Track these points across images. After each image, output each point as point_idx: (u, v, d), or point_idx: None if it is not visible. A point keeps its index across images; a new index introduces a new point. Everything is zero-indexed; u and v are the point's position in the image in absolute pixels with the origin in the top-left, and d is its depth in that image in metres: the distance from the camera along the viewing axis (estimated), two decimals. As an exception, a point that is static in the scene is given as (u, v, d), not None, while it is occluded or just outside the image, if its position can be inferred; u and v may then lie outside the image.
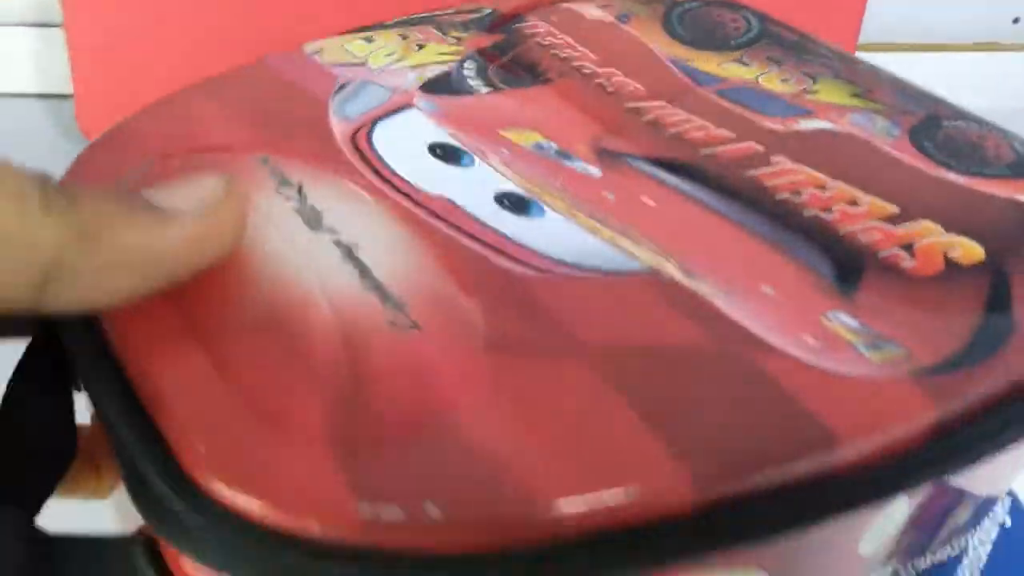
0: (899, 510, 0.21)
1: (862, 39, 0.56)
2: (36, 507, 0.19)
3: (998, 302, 0.20)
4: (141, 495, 0.16)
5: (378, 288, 0.18)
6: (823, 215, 0.22)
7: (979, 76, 0.60)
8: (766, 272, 0.21)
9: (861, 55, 0.57)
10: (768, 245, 0.22)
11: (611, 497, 0.16)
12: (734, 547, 0.17)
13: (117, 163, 0.21)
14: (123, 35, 0.50)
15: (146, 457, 0.16)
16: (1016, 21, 0.62)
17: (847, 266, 0.21)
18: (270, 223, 0.20)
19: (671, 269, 0.21)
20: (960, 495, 0.23)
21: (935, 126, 0.26)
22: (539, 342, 0.18)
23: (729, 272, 0.21)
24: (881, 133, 0.25)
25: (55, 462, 0.20)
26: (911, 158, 0.24)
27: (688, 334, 0.19)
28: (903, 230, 0.22)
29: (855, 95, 0.27)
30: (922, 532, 0.23)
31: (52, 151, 0.52)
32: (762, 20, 0.30)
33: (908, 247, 0.22)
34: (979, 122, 0.26)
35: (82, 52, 0.51)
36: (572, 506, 0.16)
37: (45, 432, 0.19)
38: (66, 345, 0.18)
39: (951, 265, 0.21)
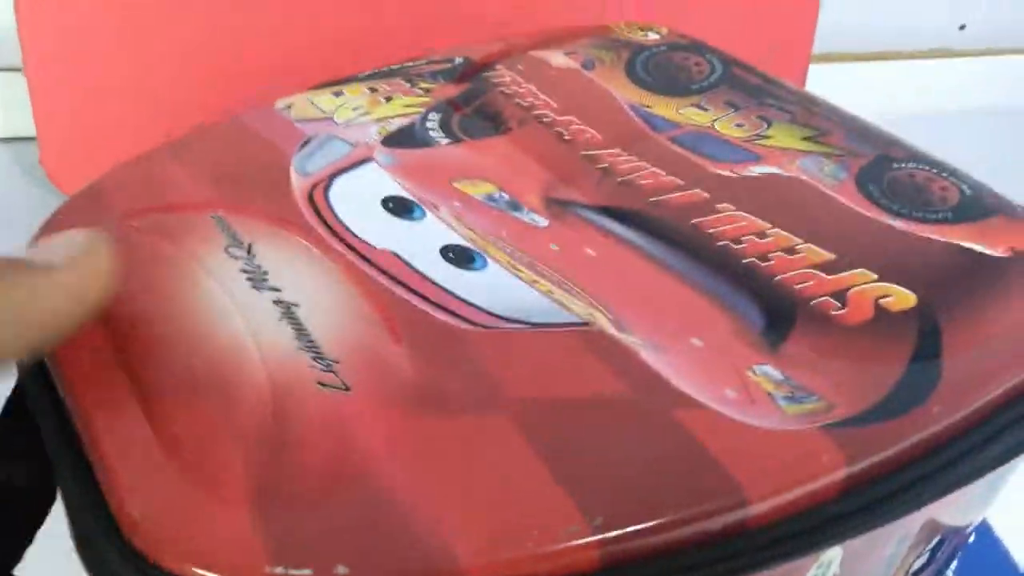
0: (832, 556, 0.21)
1: (815, 49, 0.56)
2: (14, 559, 0.20)
3: (926, 352, 0.21)
4: (86, 554, 0.17)
5: (312, 347, 0.19)
6: (760, 263, 0.23)
7: (929, 82, 0.61)
8: (697, 324, 0.21)
9: (813, 67, 0.57)
10: (703, 295, 0.22)
11: (516, 554, 0.17)
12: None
13: (86, 222, 0.23)
14: (85, 76, 0.51)
15: (89, 518, 0.17)
16: (963, 27, 0.63)
17: (778, 315, 0.22)
18: (214, 281, 0.21)
19: (603, 321, 0.21)
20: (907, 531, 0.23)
21: (883, 169, 0.26)
22: (465, 398, 0.19)
23: (660, 324, 0.21)
24: (828, 177, 0.26)
25: (34, 514, 0.21)
26: (854, 203, 0.25)
27: (610, 387, 0.20)
28: (836, 278, 0.22)
29: (807, 138, 0.27)
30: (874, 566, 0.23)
31: (16, 193, 0.54)
32: (725, 64, 0.31)
33: (840, 295, 0.22)
34: (931, 164, 0.26)
35: (43, 95, 0.51)
36: (478, 564, 0.16)
37: (21, 491, 0.21)
38: (28, 406, 0.20)
39: (881, 313, 0.22)
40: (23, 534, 0.21)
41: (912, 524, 0.22)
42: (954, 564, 0.31)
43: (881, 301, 0.22)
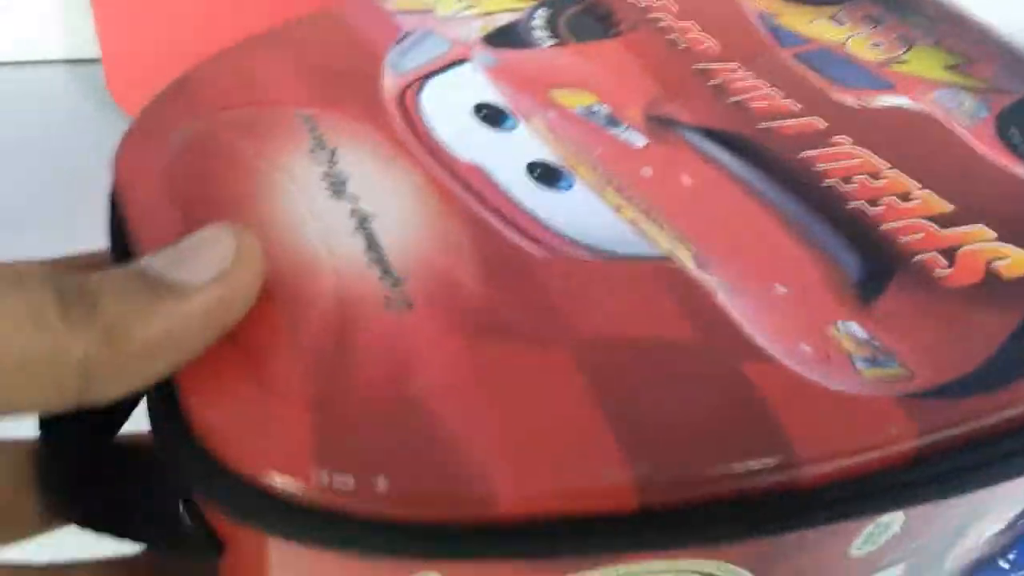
0: (894, 518, 0.20)
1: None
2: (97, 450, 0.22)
3: (1036, 324, 0.19)
4: (164, 454, 0.18)
5: (381, 262, 0.20)
6: (869, 207, 0.21)
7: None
8: (785, 268, 0.20)
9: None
10: (798, 237, 0.21)
11: (553, 490, 0.17)
12: (672, 547, 0.17)
13: (176, 116, 0.23)
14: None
15: (164, 414, 0.18)
16: None
17: (877, 268, 0.20)
18: (294, 185, 0.21)
19: (684, 256, 0.20)
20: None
21: (1029, 110, 0.23)
22: (527, 328, 0.19)
23: (744, 265, 0.20)
24: (965, 116, 0.23)
25: (119, 416, 0.22)
26: (989, 148, 0.22)
27: (677, 330, 0.19)
28: (950, 233, 0.20)
29: (951, 67, 0.24)
30: (935, 539, 0.22)
31: (83, 116, 0.55)
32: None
33: (950, 252, 0.20)
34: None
35: (108, 15, 0.51)
36: (514, 496, 0.17)
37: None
38: None
39: (992, 277, 0.20)
40: (109, 430, 0.22)
41: (989, 498, 0.21)
42: None
43: (995, 264, 0.20)
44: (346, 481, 0.16)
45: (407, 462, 0.17)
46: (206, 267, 0.17)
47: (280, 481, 0.17)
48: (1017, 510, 0.23)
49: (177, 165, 0.22)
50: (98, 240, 0.22)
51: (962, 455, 0.18)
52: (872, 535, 0.21)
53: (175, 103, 0.23)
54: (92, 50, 0.55)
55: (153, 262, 0.17)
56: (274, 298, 0.19)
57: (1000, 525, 0.23)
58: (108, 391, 0.17)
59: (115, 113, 0.54)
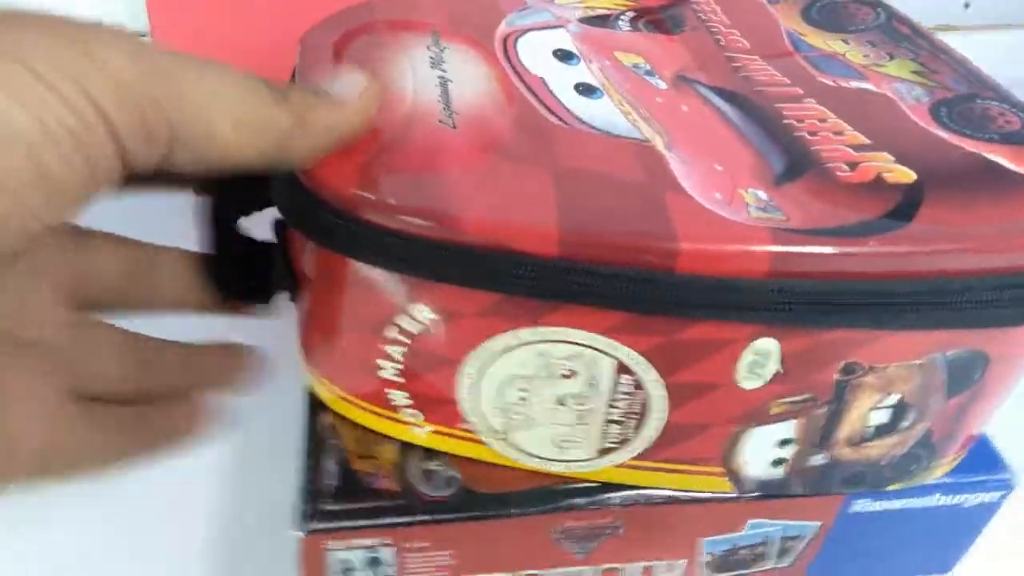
0: (768, 348, 0.26)
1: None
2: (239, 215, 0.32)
3: (898, 214, 0.25)
4: (276, 191, 0.28)
5: (446, 101, 0.29)
6: (808, 135, 0.28)
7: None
8: (728, 157, 0.27)
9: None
10: (747, 144, 0.28)
11: (507, 230, 0.25)
12: (580, 300, 0.25)
13: (353, 21, 0.34)
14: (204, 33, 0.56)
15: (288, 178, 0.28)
16: (967, 6, 0.73)
17: (796, 166, 0.27)
18: (409, 61, 0.31)
19: (659, 141, 0.28)
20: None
21: (963, 100, 0.29)
22: (527, 155, 0.27)
23: (697, 151, 0.28)
24: (910, 98, 0.30)
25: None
26: (918, 116, 0.29)
27: (631, 172, 0.27)
28: (859, 154, 0.27)
29: (914, 71, 0.31)
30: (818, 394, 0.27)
31: None
32: (890, 16, 0.35)
33: (853, 163, 0.27)
34: (1015, 104, 0.29)
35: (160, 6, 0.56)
36: (479, 226, 0.25)
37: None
38: None
39: (878, 180, 0.26)
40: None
41: (849, 351, 0.26)
42: (942, 464, 0.33)
43: (883, 173, 0.26)
44: (370, 200, 0.25)
45: (412, 197, 0.25)
46: (349, 91, 0.27)
47: (338, 201, 0.26)
48: (894, 398, 0.27)
49: (342, 45, 0.33)
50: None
51: (811, 286, 0.24)
52: (754, 365, 0.27)
53: (355, 14, 0.34)
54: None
55: (320, 84, 0.28)
56: (381, 113, 0.29)
57: (884, 417, 0.28)
58: (295, 155, 0.26)
59: None
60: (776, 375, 0.27)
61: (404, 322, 0.28)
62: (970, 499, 0.34)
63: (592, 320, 0.26)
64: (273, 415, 0.35)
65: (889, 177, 0.26)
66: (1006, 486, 0.34)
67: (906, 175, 0.26)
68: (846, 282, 0.25)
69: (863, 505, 0.33)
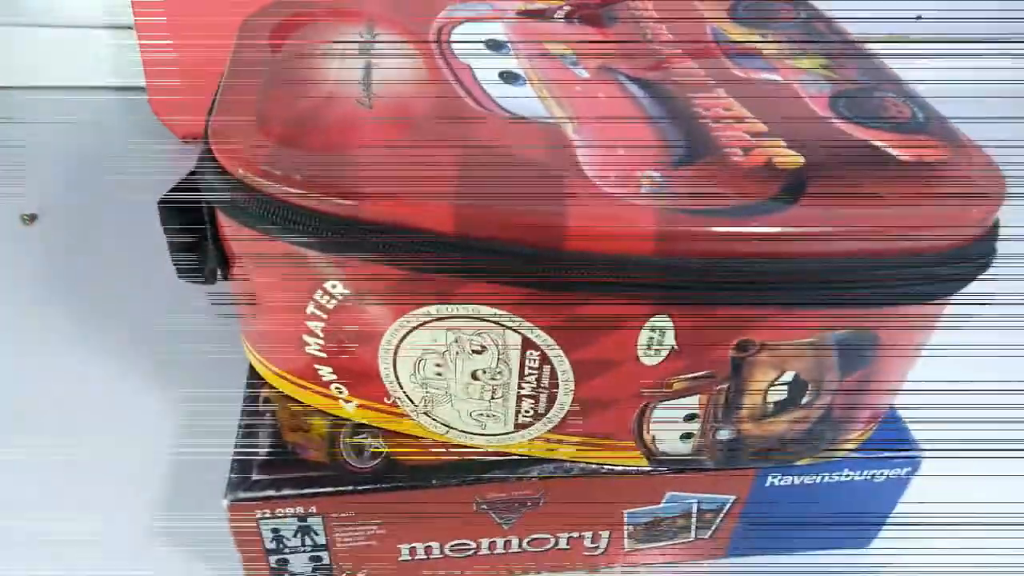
0: (662, 324, 0.27)
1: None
2: None
3: (784, 195, 0.26)
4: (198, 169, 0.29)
5: (365, 84, 0.30)
6: (711, 123, 0.30)
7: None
8: (633, 142, 0.29)
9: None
10: (654, 131, 0.29)
11: (403, 202, 0.26)
12: (478, 275, 0.26)
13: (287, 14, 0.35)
14: (187, 26, 0.58)
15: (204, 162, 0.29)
16: (919, 18, 0.73)
17: (694, 151, 0.28)
18: (340, 47, 0.32)
19: (568, 127, 0.29)
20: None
21: (862, 92, 0.31)
22: (440, 137, 0.29)
23: (605, 136, 0.29)
24: (813, 89, 0.31)
25: None
26: (817, 106, 0.30)
27: (535, 155, 0.28)
28: (755, 140, 0.29)
29: (822, 65, 0.32)
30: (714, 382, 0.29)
31: (129, 133, 0.66)
32: (811, 16, 0.36)
33: (748, 149, 0.28)
34: (908, 97, 0.30)
35: (150, 47, 0.60)
36: (379, 203, 0.26)
37: None
38: None
39: (769, 165, 0.27)
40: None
41: (740, 330, 0.27)
42: (849, 440, 0.34)
43: (774, 158, 0.28)
44: (276, 176, 0.27)
45: (325, 170, 0.27)
46: None
47: (244, 174, 0.27)
48: (788, 375, 0.29)
49: (279, 31, 0.34)
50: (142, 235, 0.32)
51: (697, 264, 0.25)
52: (652, 341, 0.28)
53: (297, 2, 0.36)
54: (139, 78, 0.64)
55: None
56: (295, 95, 0.30)
57: (781, 394, 0.29)
58: None
59: (157, 129, 0.64)
60: (672, 351, 0.28)
61: (321, 298, 0.29)
62: (878, 474, 0.35)
63: (496, 296, 0.28)
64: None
65: (779, 162, 0.28)
66: (912, 462, 0.35)
67: (795, 160, 0.28)
68: (731, 260, 0.26)
69: (776, 479, 0.35)
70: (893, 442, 0.35)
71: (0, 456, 0.41)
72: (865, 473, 0.35)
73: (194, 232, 0.31)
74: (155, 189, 0.31)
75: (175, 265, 0.32)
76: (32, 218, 0.56)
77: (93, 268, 0.52)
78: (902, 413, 0.36)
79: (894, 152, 0.28)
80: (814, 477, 0.35)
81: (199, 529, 0.38)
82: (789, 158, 0.28)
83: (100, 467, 0.41)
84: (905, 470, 0.35)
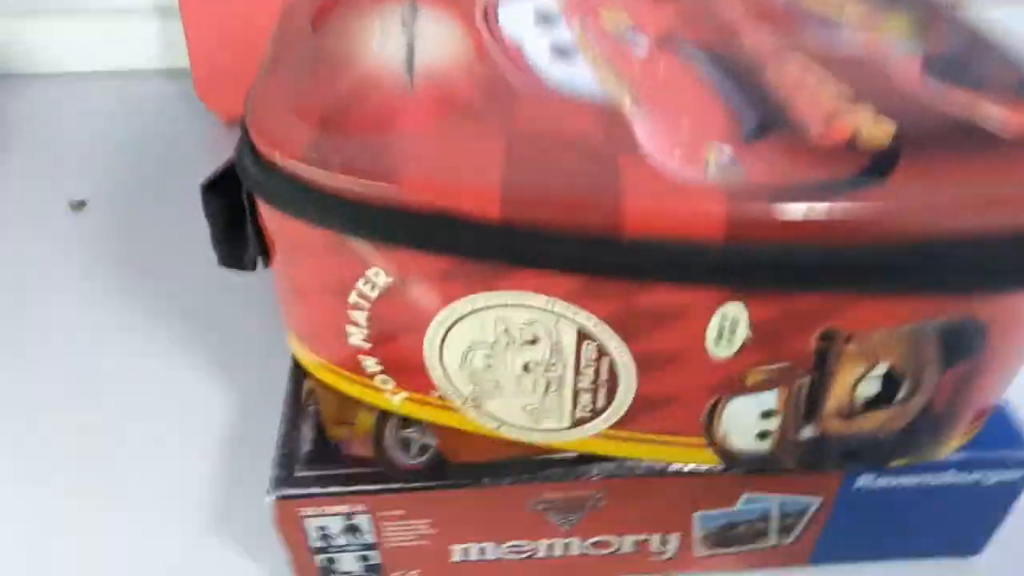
0: (738, 315, 0.24)
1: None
2: None
3: (870, 173, 0.23)
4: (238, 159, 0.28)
5: (407, 65, 0.28)
6: (789, 93, 0.26)
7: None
8: (698, 115, 0.26)
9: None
10: (722, 103, 0.26)
11: (449, 186, 0.23)
12: (525, 264, 0.23)
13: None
14: (231, 13, 0.58)
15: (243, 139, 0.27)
16: None
17: (769, 123, 0.25)
18: (382, 23, 0.30)
19: (627, 102, 0.26)
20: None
21: (959, 54, 0.27)
22: (486, 118, 0.26)
23: (666, 110, 0.26)
24: (900, 52, 0.27)
25: None
26: (907, 68, 0.26)
27: (589, 134, 0.25)
28: (838, 108, 0.25)
29: (912, 28, 0.28)
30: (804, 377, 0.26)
31: (175, 118, 0.65)
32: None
33: (831, 120, 0.24)
34: (1012, 61, 0.26)
35: (196, 30, 0.59)
36: (421, 188, 0.24)
37: None
38: None
39: (855, 138, 0.24)
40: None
41: (824, 317, 0.24)
42: (951, 440, 0.30)
43: (861, 128, 0.24)
44: (317, 160, 0.24)
45: (365, 155, 0.25)
46: None
47: (280, 159, 0.25)
48: (882, 368, 0.25)
49: (321, 11, 0.32)
50: (189, 220, 0.32)
51: (772, 248, 0.22)
52: (722, 331, 0.25)
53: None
54: (185, 61, 0.66)
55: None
56: (339, 72, 0.28)
57: (872, 388, 0.26)
58: None
59: (203, 114, 0.64)
60: (747, 342, 0.25)
61: (364, 286, 0.27)
62: (988, 477, 0.31)
63: (547, 285, 0.25)
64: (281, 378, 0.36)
65: (866, 134, 0.24)
66: (1028, 464, 0.31)
67: (885, 132, 0.24)
68: (811, 245, 0.23)
69: (868, 481, 0.31)
70: (1005, 441, 0.31)
71: (51, 440, 0.41)
72: (971, 476, 0.31)
73: (235, 218, 0.30)
74: (203, 174, 0.30)
75: (216, 252, 0.31)
76: (81, 204, 0.55)
77: (141, 254, 0.52)
78: (1017, 408, 0.32)
79: (1001, 119, 0.24)
80: (912, 479, 0.31)
81: (251, 524, 0.37)
82: (878, 129, 0.24)
83: (150, 456, 0.40)
84: (1019, 473, 0.31)
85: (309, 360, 0.32)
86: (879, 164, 0.23)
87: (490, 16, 0.32)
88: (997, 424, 0.32)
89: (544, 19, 0.32)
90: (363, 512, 0.31)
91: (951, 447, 0.30)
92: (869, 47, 0.28)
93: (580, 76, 0.28)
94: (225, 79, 0.60)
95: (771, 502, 0.32)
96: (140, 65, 0.70)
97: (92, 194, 0.57)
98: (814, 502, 0.32)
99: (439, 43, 0.30)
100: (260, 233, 0.29)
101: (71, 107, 0.66)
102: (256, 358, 0.41)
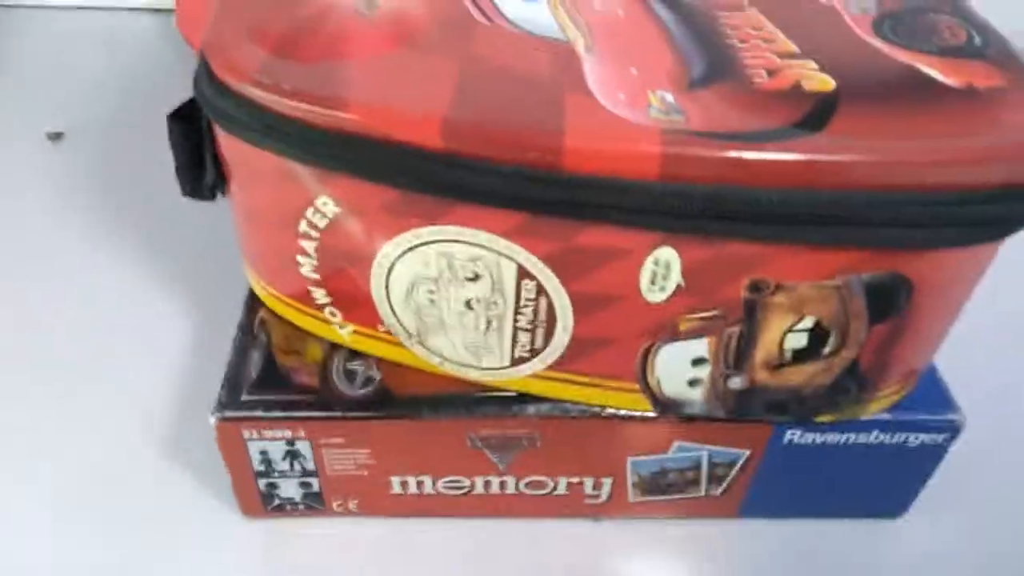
0: (670, 260, 0.25)
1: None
2: None
3: (808, 122, 0.24)
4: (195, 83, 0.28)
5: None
6: (737, 42, 0.27)
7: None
8: (647, 60, 0.26)
9: None
10: (674, 50, 0.27)
11: (399, 114, 0.24)
12: (467, 199, 0.24)
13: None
14: None
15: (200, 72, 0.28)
16: None
17: (715, 70, 0.26)
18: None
19: (580, 44, 0.27)
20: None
21: (912, 11, 0.27)
22: (440, 50, 0.26)
23: (618, 54, 0.27)
24: (855, 9, 0.28)
25: None
26: (859, 26, 0.27)
27: (539, 71, 0.26)
28: (783, 61, 0.26)
29: (872, -18, 0.29)
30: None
31: (159, 53, 0.65)
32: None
33: (773, 70, 0.25)
34: (965, 18, 0.27)
35: None
36: (365, 114, 0.24)
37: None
38: None
39: (795, 88, 0.25)
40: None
41: (753, 266, 0.25)
42: (877, 398, 0.31)
43: (802, 81, 0.25)
44: (263, 84, 0.25)
45: (315, 80, 0.25)
46: None
47: (233, 82, 0.26)
48: (809, 321, 0.26)
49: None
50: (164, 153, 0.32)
51: (705, 191, 0.23)
52: (655, 275, 0.26)
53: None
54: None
55: None
56: (298, 9, 0.28)
57: (801, 341, 0.27)
58: None
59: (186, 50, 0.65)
60: (679, 288, 0.26)
61: (313, 216, 0.28)
62: (912, 439, 0.33)
63: (489, 220, 0.26)
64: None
65: (807, 85, 0.25)
66: (951, 427, 0.32)
67: (825, 83, 0.25)
68: (742, 189, 0.23)
69: (795, 436, 0.32)
70: (932, 404, 0.32)
71: (11, 352, 0.41)
72: (897, 437, 0.33)
73: (197, 149, 0.30)
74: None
75: (179, 181, 0.31)
76: (58, 136, 0.55)
77: (116, 185, 0.52)
78: (944, 372, 0.33)
79: (940, 78, 0.25)
80: (838, 437, 0.32)
81: (200, 446, 0.37)
82: (819, 81, 0.25)
83: (109, 376, 0.41)
84: (942, 436, 0.33)
85: (263, 291, 0.33)
86: (815, 116, 0.24)
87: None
88: (925, 387, 0.33)
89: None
90: (304, 438, 0.31)
91: (878, 406, 0.31)
92: (825, 2, 0.29)
93: (539, 15, 0.29)
94: (208, 13, 0.60)
95: (702, 451, 0.33)
96: (124, 3, 0.70)
97: (70, 126, 0.57)
98: (743, 454, 0.33)
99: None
100: (218, 161, 0.30)
101: (54, 39, 0.66)
102: (220, 286, 0.41)
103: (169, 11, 0.69)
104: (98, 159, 0.54)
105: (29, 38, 0.66)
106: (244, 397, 0.31)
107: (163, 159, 0.31)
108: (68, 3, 0.69)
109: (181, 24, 0.62)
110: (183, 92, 0.29)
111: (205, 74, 0.27)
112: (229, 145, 0.28)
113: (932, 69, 0.25)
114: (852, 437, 0.32)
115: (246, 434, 0.31)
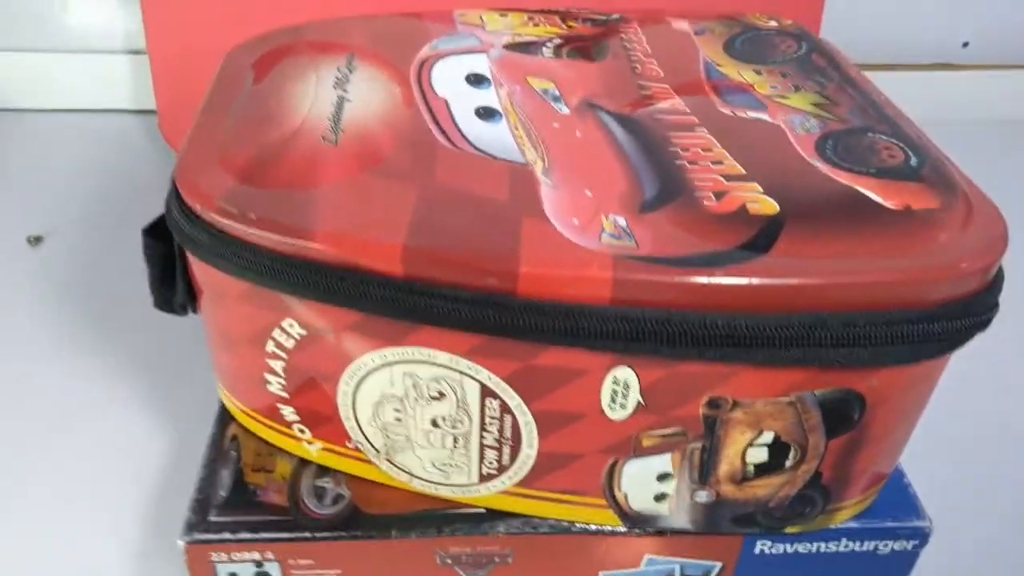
0: (629, 379, 0.26)
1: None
2: None
3: (755, 244, 0.25)
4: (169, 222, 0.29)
5: (334, 120, 0.30)
6: (688, 164, 0.28)
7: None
8: (602, 183, 0.27)
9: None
10: (627, 172, 0.28)
11: (360, 242, 0.25)
12: (429, 322, 0.25)
13: (272, 47, 0.35)
14: (198, 52, 0.57)
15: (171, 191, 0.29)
16: (966, 45, 0.70)
17: (666, 194, 0.27)
18: (317, 78, 0.32)
19: (539, 165, 0.28)
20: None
21: (852, 133, 0.29)
22: (402, 175, 0.28)
23: (574, 176, 0.28)
24: (800, 130, 0.29)
25: None
26: (802, 148, 0.28)
27: (497, 195, 0.27)
28: (731, 183, 0.27)
29: (815, 104, 0.31)
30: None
31: (141, 156, 0.67)
32: (811, 50, 0.34)
33: (721, 193, 0.26)
34: (903, 139, 0.28)
35: (162, 72, 0.61)
36: (329, 242, 0.25)
37: None
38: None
39: (741, 211, 0.26)
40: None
41: (710, 385, 0.25)
42: (844, 507, 0.31)
43: (748, 204, 0.26)
44: (233, 215, 0.26)
45: (279, 207, 0.26)
46: None
47: (207, 213, 0.26)
48: (768, 436, 0.27)
49: (261, 64, 0.34)
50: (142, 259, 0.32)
51: (656, 315, 0.24)
52: (615, 394, 0.26)
53: (282, 35, 0.35)
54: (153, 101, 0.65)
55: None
56: (262, 127, 0.29)
57: (762, 456, 0.27)
58: None
59: (167, 153, 0.65)
60: (639, 406, 0.27)
61: (279, 336, 0.28)
62: (881, 546, 0.33)
63: (451, 342, 0.26)
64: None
65: (753, 208, 0.26)
66: (920, 534, 0.32)
67: (770, 206, 0.26)
68: (691, 314, 0.24)
69: (766, 547, 0.32)
70: (900, 511, 0.32)
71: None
72: (867, 544, 0.33)
73: (171, 263, 0.31)
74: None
75: (152, 294, 0.32)
76: (38, 240, 0.56)
77: (93, 290, 0.53)
78: (911, 478, 0.34)
79: (879, 200, 0.26)
80: (808, 546, 0.32)
81: (171, 565, 0.37)
82: (764, 204, 0.26)
83: (80, 491, 0.40)
84: (911, 543, 0.33)
85: (233, 406, 0.33)
86: (760, 239, 0.25)
87: (424, 74, 0.34)
88: (893, 492, 0.33)
89: (475, 80, 0.34)
90: (273, 559, 0.31)
91: (846, 515, 0.31)
92: (771, 123, 0.30)
93: (499, 138, 0.30)
94: (190, 119, 0.61)
95: (674, 564, 0.33)
96: (109, 104, 0.72)
97: (50, 230, 0.58)
98: (716, 566, 0.33)
99: (369, 99, 0.32)
100: (189, 280, 0.31)
101: (39, 143, 0.68)
102: (194, 398, 0.41)
103: (151, 112, 0.71)
104: (77, 265, 0.55)
105: (14, 141, 0.68)
106: (212, 518, 0.31)
107: (142, 266, 0.32)
108: (54, 106, 0.71)
109: (163, 127, 0.64)
110: (165, 195, 0.30)
111: (175, 198, 0.28)
112: (198, 268, 0.29)
113: (871, 191, 0.26)
114: (822, 546, 0.32)
115: (214, 556, 0.31)
